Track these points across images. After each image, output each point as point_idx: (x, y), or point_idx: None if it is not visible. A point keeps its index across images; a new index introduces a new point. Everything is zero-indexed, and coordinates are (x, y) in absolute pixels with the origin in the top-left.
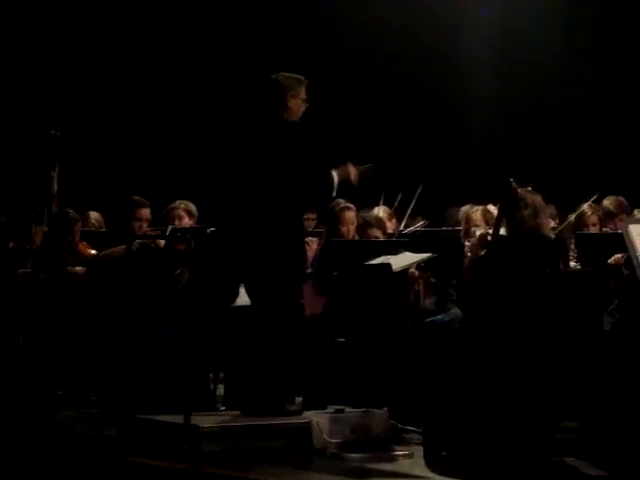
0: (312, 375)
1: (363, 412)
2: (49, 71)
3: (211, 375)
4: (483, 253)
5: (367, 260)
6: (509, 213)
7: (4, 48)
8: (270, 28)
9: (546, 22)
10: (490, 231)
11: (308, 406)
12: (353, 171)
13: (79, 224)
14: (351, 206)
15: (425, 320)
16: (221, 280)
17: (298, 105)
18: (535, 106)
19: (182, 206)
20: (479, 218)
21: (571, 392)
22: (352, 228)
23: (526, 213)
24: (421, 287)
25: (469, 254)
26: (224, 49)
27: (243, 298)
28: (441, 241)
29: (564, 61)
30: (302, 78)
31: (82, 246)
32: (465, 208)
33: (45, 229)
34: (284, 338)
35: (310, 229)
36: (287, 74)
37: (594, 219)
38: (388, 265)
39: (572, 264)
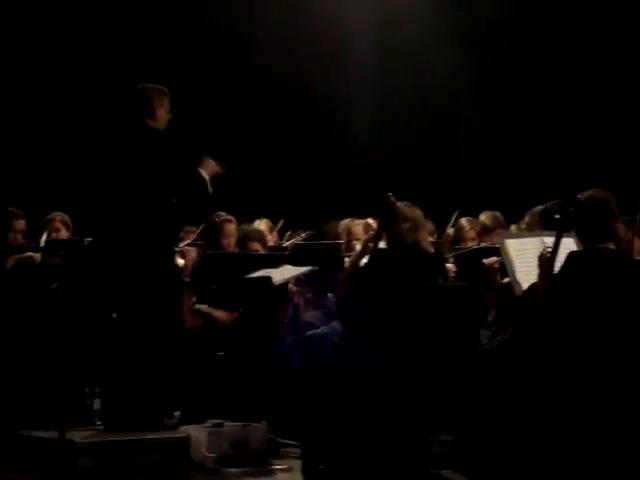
0: (191, 389)
1: (242, 426)
2: None
3: (87, 389)
4: (362, 265)
5: (247, 273)
6: (388, 227)
7: None
8: (135, 37)
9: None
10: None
11: (186, 420)
12: (214, 163)
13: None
14: (231, 219)
15: (305, 334)
16: (98, 292)
17: (163, 115)
18: (416, 119)
19: (58, 218)
20: (360, 232)
21: (447, 405)
22: (232, 241)
23: (405, 227)
24: (301, 300)
25: (347, 265)
26: (92, 57)
27: None
28: (321, 254)
29: (445, 73)
30: (165, 89)
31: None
32: (346, 222)
33: None
34: (162, 351)
35: (190, 241)
36: (152, 85)
37: (472, 234)
38: (268, 278)
39: (450, 279)
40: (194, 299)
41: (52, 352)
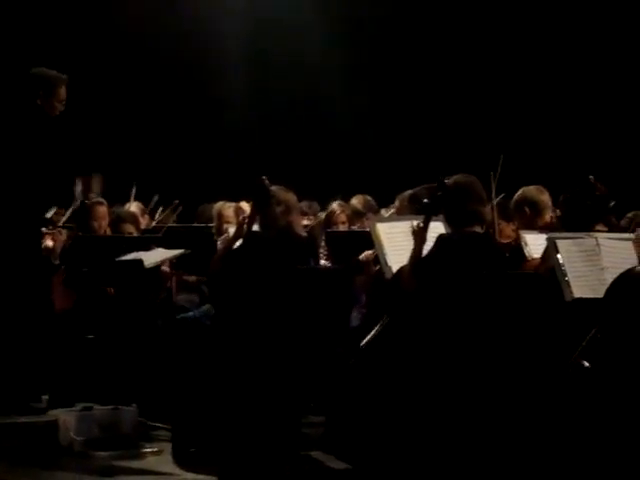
0: (59, 372)
1: (112, 409)
2: None
3: None
4: (235, 247)
5: (119, 256)
6: (262, 210)
7: None
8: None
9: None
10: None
11: (55, 404)
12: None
13: None
14: (103, 201)
15: (177, 316)
16: None
17: (56, 101)
18: (291, 103)
19: None
20: (232, 215)
21: (317, 387)
22: (104, 223)
23: (278, 210)
24: (173, 284)
25: (220, 248)
26: None
27: None
28: (194, 237)
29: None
30: (62, 75)
31: None
32: (218, 205)
33: None
34: (30, 334)
35: (60, 224)
36: (47, 70)
37: (343, 217)
38: (140, 261)
39: (322, 262)
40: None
41: None
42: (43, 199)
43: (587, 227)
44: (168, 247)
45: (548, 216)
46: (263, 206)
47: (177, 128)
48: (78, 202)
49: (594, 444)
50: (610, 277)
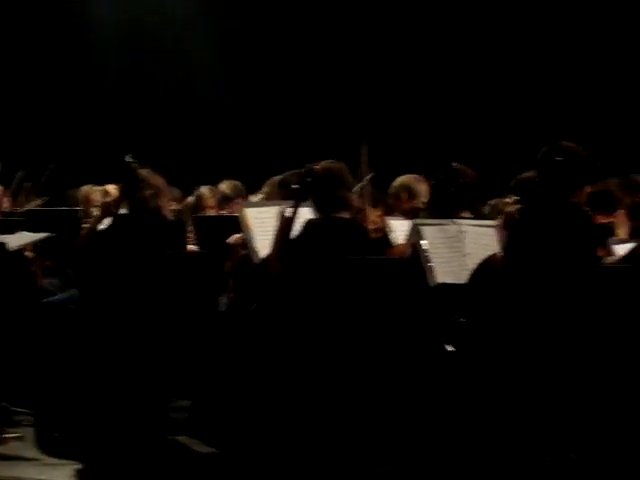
0: None
1: None
2: None
3: None
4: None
5: None
6: (130, 194)
7: None
8: None
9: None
10: None
11: None
12: None
13: None
14: None
15: (42, 301)
16: None
17: None
18: (160, 85)
19: None
20: (98, 198)
21: (185, 372)
22: None
23: (147, 194)
24: (38, 268)
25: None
26: None
27: None
28: (59, 221)
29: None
30: None
31: None
32: (85, 188)
33: None
34: None
35: None
36: None
37: (212, 202)
38: (2, 244)
39: (191, 246)
40: None
41: None
42: None
43: (452, 214)
44: (32, 230)
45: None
46: (132, 189)
47: (47, 107)
48: None
49: (458, 427)
50: (473, 263)
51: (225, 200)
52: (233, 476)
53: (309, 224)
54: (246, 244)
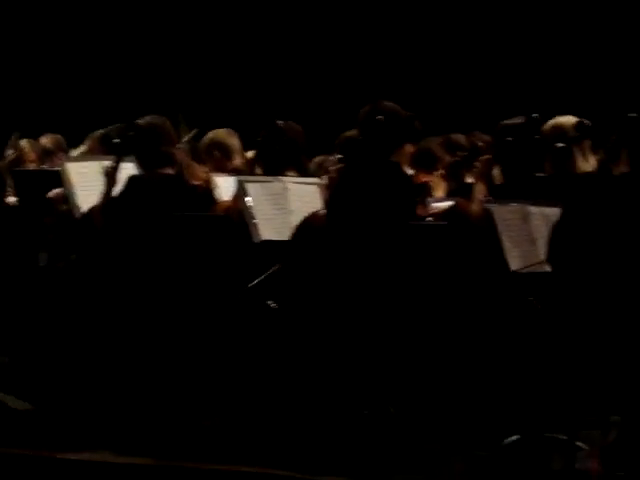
0: None
1: None
2: None
3: None
4: None
5: None
6: None
7: None
8: None
9: None
10: None
11: None
12: None
13: None
14: None
15: None
16: None
17: None
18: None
19: None
20: None
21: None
22: None
23: None
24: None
25: None
26: None
27: None
28: None
29: None
30: None
31: None
32: None
33: None
34: None
35: None
36: None
37: (32, 156)
38: None
39: (11, 199)
40: None
41: None
42: None
43: (278, 171)
44: None
45: (238, 160)
46: None
47: None
48: None
49: (280, 381)
50: (296, 220)
51: (46, 154)
52: (50, 432)
53: (131, 180)
54: (67, 199)
